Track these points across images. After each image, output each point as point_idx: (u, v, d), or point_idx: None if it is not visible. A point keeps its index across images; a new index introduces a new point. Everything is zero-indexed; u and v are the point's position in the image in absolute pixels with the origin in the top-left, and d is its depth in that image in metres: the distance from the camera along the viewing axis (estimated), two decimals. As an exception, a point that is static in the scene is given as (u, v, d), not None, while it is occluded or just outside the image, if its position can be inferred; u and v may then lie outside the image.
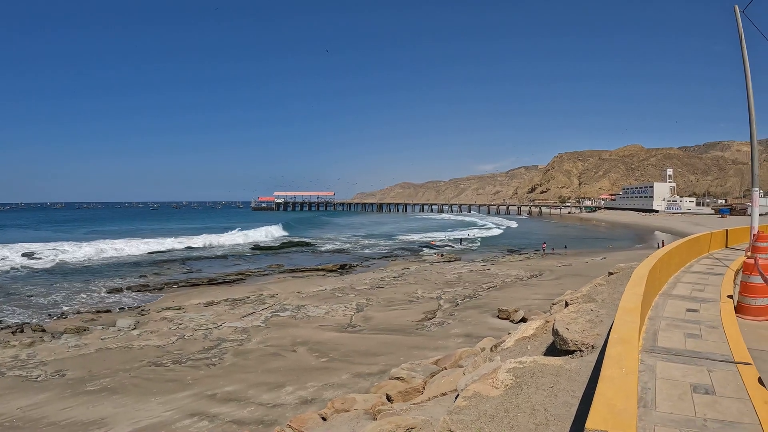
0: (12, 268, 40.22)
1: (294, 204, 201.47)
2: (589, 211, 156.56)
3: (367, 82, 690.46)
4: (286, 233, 75.05)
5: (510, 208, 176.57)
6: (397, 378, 9.03)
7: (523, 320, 16.41)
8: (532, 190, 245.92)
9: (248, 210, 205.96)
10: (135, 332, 19.47)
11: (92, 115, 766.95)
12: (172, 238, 63.25)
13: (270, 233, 73.14)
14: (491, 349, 8.63)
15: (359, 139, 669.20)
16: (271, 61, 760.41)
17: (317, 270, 35.76)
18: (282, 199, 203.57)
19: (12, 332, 20.55)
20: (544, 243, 49.64)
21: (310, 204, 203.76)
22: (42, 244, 56.38)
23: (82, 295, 28.66)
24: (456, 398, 5.59)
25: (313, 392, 11.64)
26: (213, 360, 15.19)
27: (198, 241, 60.42)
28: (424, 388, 7.92)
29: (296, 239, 63.08)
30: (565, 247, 50.53)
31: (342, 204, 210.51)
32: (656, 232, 73.32)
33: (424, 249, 51.13)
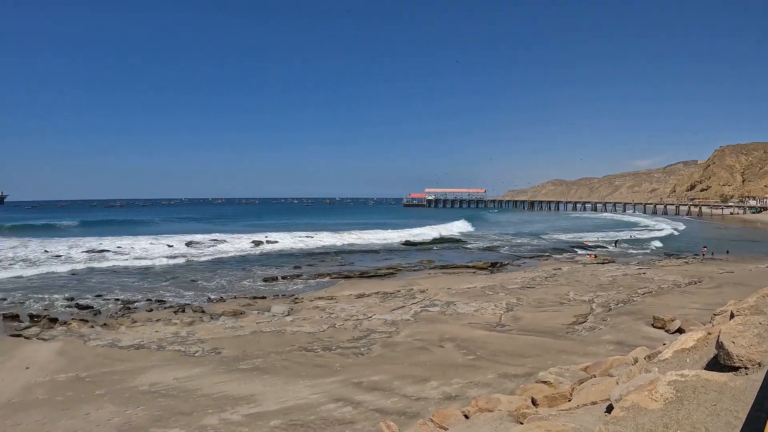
0: (177, 256, 42.95)
1: (445, 201, 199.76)
2: (753, 212, 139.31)
3: (520, 79, 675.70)
4: (472, 228, 75.99)
5: (667, 207, 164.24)
6: (544, 382, 8.77)
7: (680, 331, 15.48)
8: (691, 187, 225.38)
9: (399, 207, 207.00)
10: (288, 318, 20.20)
11: (250, 111, 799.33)
12: (326, 232, 64.94)
13: (459, 228, 75.47)
14: (646, 359, 8.24)
15: (511, 134, 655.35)
16: (433, 57, 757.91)
17: (468, 267, 35.46)
18: (433, 196, 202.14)
19: (174, 312, 22.28)
20: (705, 247, 46.50)
21: (461, 201, 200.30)
22: (204, 235, 60.51)
23: (240, 282, 30.22)
24: (607, 408, 5.36)
25: (458, 389, 11.54)
26: (361, 350, 15.47)
27: (349, 236, 61.39)
28: (571, 394, 7.64)
29: (447, 236, 62.87)
30: (727, 252, 46.47)
31: (493, 201, 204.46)
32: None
33: (576, 249, 49.32)
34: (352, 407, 10.85)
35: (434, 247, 51.89)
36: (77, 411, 11.50)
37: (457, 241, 58.09)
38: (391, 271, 34.31)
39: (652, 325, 17.94)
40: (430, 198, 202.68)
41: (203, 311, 22.21)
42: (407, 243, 55.22)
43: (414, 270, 34.97)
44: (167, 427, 10.32)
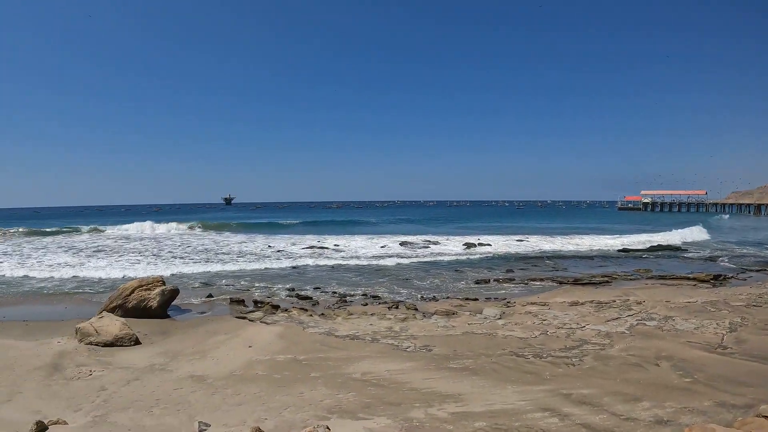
0: (391, 255, 45.38)
1: (662, 204, 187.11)
2: None
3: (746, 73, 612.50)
4: (691, 235, 68.82)
5: None
6: (766, 417, 8.22)
7: None
8: None
9: (613, 210, 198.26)
10: (500, 322, 20.60)
11: (463, 113, 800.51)
12: (538, 236, 65.00)
13: (677, 234, 68.52)
14: None
15: (736, 128, 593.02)
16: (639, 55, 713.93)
17: (687, 279, 33.18)
18: (649, 199, 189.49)
19: (388, 307, 23.82)
20: None
21: (679, 204, 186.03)
22: (417, 236, 64.10)
23: (452, 283, 31.30)
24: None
25: (670, 413, 11.19)
26: (572, 360, 15.42)
27: (561, 240, 60.20)
28: (795, 434, 7.15)
29: (664, 243, 59.15)
30: None
31: (714, 204, 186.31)
32: None
33: (810, 263, 44.52)
34: (558, 419, 10.95)
35: (650, 255, 48.99)
36: (292, 389, 12.91)
37: (676, 248, 54.27)
38: (606, 279, 33.27)
39: None
40: (645, 201, 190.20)
41: (416, 309, 23.22)
42: (623, 250, 52.85)
43: (630, 279, 33.60)
44: (375, 415, 11.17)
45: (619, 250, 52.58)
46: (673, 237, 66.15)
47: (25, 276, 34.39)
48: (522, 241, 59.80)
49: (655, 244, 57.92)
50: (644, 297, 25.94)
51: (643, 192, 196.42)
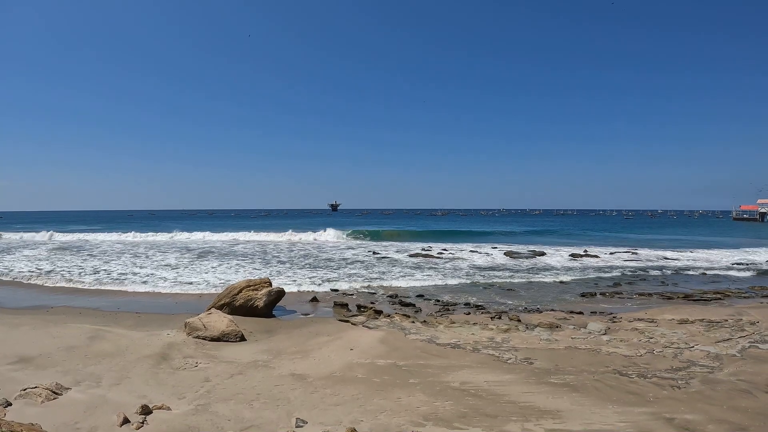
0: (499, 267, 45.67)
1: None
2: None
3: None
4: None
5: None
6: None
7: None
8: None
9: (728, 220, 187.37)
10: (604, 338, 20.03)
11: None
12: (647, 249, 62.73)
13: None
14: None
15: None
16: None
17: (808, 297, 31.22)
18: (766, 209, 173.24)
19: (491, 317, 23.60)
20: None
21: None
22: (522, 245, 66.64)
23: (557, 295, 30.96)
24: None
25: (777, 447, 10.50)
26: (678, 382, 14.72)
27: (670, 254, 57.32)
28: None
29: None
30: None
31: None
32: None
33: None
34: (658, 445, 10.48)
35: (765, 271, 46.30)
36: (390, 394, 13.06)
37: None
38: (717, 296, 31.50)
39: None
40: (763, 210, 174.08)
41: (519, 320, 23.01)
42: (737, 264, 49.87)
43: (744, 297, 31.66)
44: (470, 425, 11.12)
45: (733, 264, 49.45)
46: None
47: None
48: (630, 253, 57.72)
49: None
50: (758, 317, 24.45)
51: (759, 201, 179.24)
